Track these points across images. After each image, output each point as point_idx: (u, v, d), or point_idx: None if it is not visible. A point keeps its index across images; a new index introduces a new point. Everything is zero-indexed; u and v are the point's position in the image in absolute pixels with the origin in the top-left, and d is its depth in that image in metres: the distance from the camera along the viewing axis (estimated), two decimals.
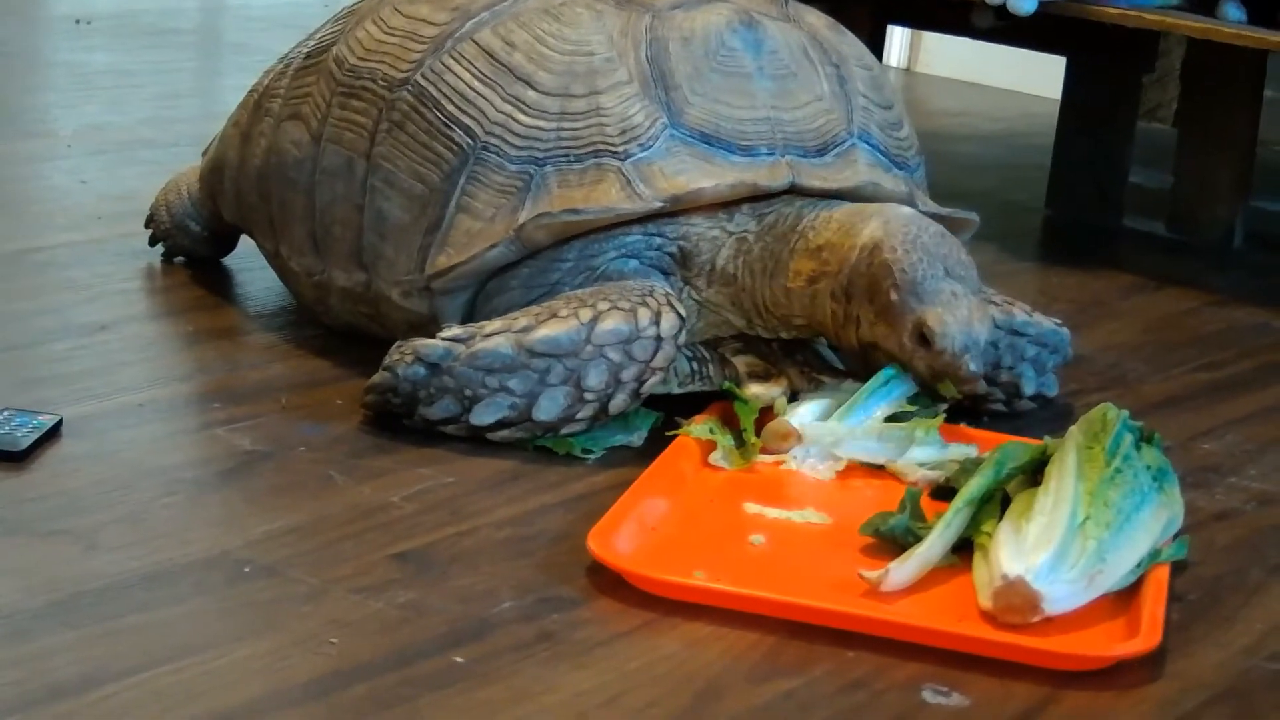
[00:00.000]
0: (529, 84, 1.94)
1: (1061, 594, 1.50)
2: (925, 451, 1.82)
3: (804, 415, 1.85)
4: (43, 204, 2.69)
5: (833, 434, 1.82)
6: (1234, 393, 2.25)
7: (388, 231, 1.97)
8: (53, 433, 1.75)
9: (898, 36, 4.55)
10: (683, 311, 1.85)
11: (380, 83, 2.01)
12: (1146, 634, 1.48)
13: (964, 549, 1.61)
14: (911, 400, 1.85)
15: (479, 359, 1.79)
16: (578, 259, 1.91)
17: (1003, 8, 2.72)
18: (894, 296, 1.82)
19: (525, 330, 1.80)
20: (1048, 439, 1.70)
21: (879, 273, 1.83)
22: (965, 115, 4.12)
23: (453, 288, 1.93)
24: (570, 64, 1.94)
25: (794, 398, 1.90)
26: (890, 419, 1.83)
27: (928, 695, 1.42)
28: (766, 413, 1.87)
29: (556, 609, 1.50)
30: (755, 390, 1.89)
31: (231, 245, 2.39)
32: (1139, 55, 3.08)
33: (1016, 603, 1.50)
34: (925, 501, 1.69)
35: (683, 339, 1.85)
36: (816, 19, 2.12)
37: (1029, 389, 2.04)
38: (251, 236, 2.24)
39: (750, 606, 1.51)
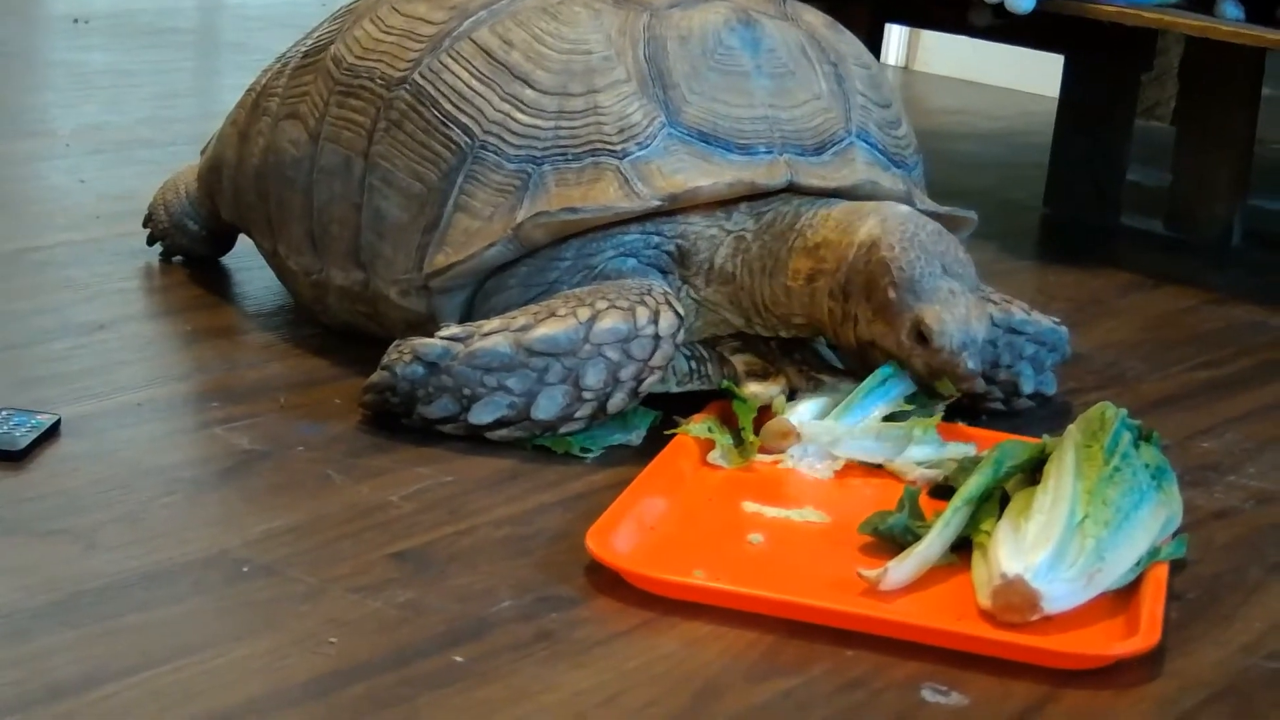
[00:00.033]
0: (527, 83, 1.94)
1: (1060, 593, 1.50)
2: (924, 450, 1.82)
3: (802, 414, 1.85)
4: (41, 203, 2.69)
5: (830, 433, 1.82)
6: (1232, 391, 2.25)
7: (386, 230, 1.97)
8: (51, 432, 1.75)
9: (896, 35, 4.55)
10: (681, 310, 1.85)
11: (378, 82, 2.01)
12: (1145, 633, 1.48)
13: (963, 548, 1.61)
14: (909, 399, 1.85)
15: (477, 358, 1.79)
16: (576, 258, 1.91)
17: (1001, 6, 2.72)
18: (892, 294, 1.82)
19: (524, 329, 1.80)
20: (1046, 437, 1.70)
21: (877, 270, 1.83)
22: (963, 113, 4.12)
23: (451, 286, 1.93)
24: (568, 63, 1.94)
25: (793, 396, 1.90)
26: (888, 418, 1.83)
27: (927, 694, 1.42)
28: (765, 411, 1.87)
29: (555, 608, 1.50)
30: (754, 389, 1.89)
31: (230, 244, 2.39)
32: (1137, 53, 3.08)
33: (1015, 601, 1.50)
34: (924, 500, 1.69)
35: (681, 338, 1.85)
36: (814, 17, 2.12)
37: (1027, 387, 2.04)
38: (249, 235, 2.24)
39: (749, 605, 1.51)
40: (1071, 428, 1.67)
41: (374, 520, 1.64)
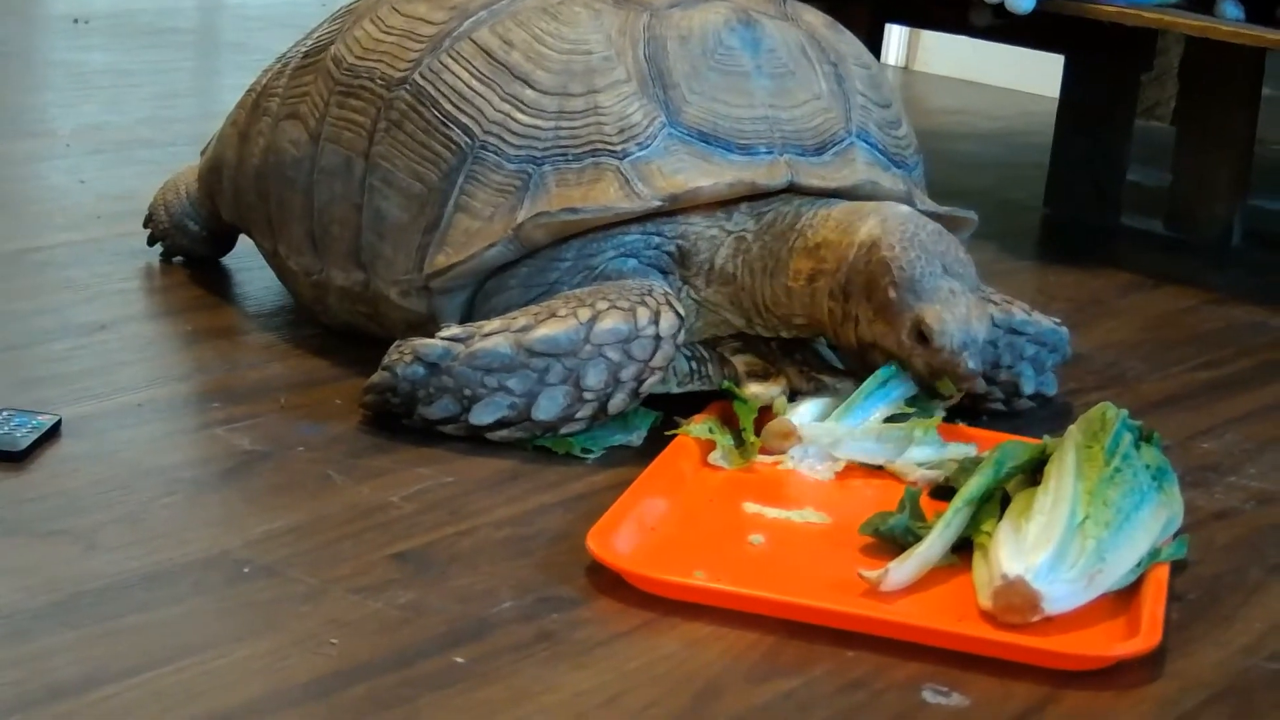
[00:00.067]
0: (527, 83, 1.94)
1: (1061, 593, 1.50)
2: (924, 451, 1.82)
3: (803, 415, 1.85)
4: (41, 204, 2.69)
5: (831, 434, 1.82)
6: (1233, 391, 2.25)
7: (386, 231, 1.97)
8: (52, 433, 1.75)
9: (896, 35, 4.55)
10: (681, 311, 1.85)
11: (378, 82, 2.01)
12: (1146, 633, 1.48)
13: (963, 548, 1.61)
14: (909, 401, 1.85)
15: (478, 358, 1.79)
16: (576, 258, 1.91)
17: (1001, 6, 2.72)
18: (892, 294, 1.82)
19: (524, 330, 1.80)
20: (1047, 438, 1.70)
21: (877, 270, 1.83)
22: (963, 114, 4.12)
23: (451, 287, 1.93)
24: (568, 63, 1.94)
25: (794, 397, 1.90)
26: (889, 420, 1.83)
27: (928, 695, 1.42)
28: (766, 412, 1.87)
29: (556, 609, 1.50)
30: (754, 390, 1.89)
31: (230, 245, 2.38)
32: (1137, 53, 3.08)
33: (1016, 602, 1.50)
34: (925, 501, 1.69)
35: (682, 338, 1.85)
36: (814, 17, 2.12)
37: (1028, 388, 2.04)
38: (250, 236, 2.24)
39: (750, 606, 1.51)
40: (1072, 428, 1.67)
41: (375, 521, 1.64)
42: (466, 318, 1.93)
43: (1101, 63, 3.09)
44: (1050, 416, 2.03)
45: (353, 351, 2.03)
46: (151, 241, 2.39)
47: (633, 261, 1.92)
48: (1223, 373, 2.32)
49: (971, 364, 1.82)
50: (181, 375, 2.04)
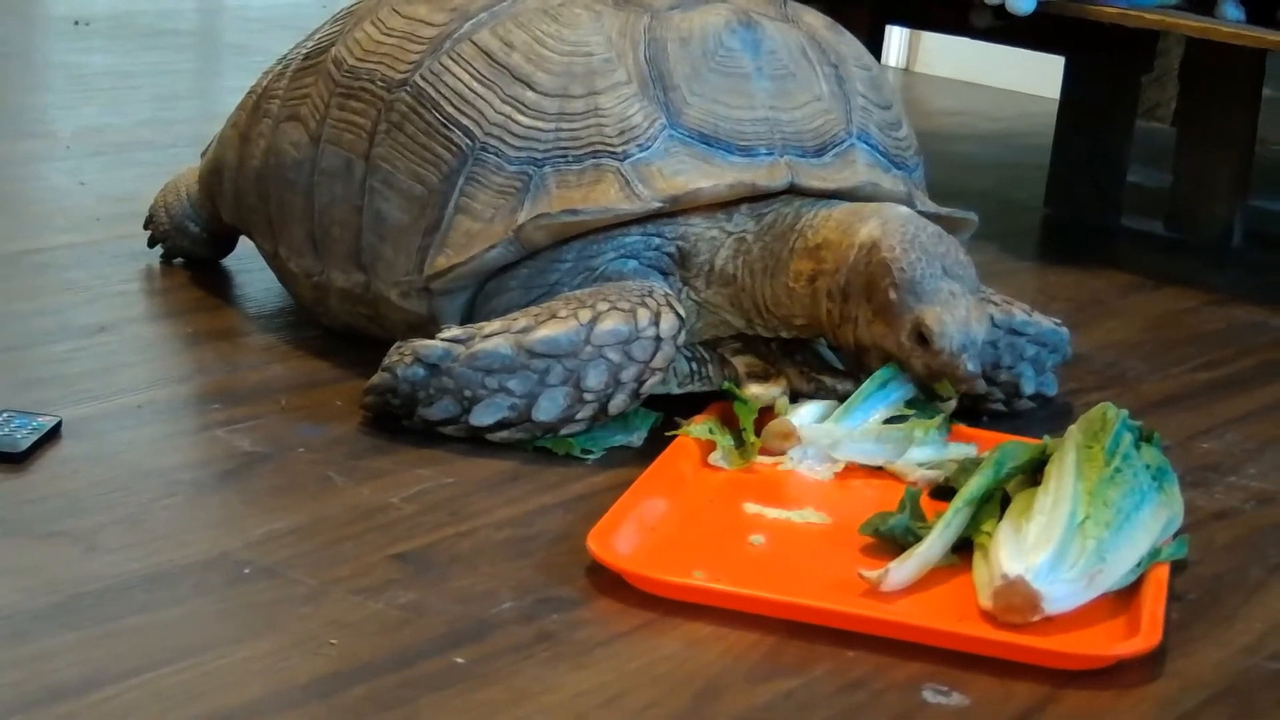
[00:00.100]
0: (527, 85, 1.94)
1: (1061, 593, 1.50)
2: (924, 451, 1.82)
3: (804, 416, 1.85)
4: (42, 205, 2.69)
5: (830, 436, 1.82)
6: (1233, 391, 2.25)
7: (386, 232, 1.97)
8: (52, 434, 1.75)
9: (896, 36, 4.55)
10: (682, 312, 1.85)
11: (379, 84, 2.01)
12: (1146, 633, 1.48)
13: (964, 549, 1.61)
14: (909, 404, 1.85)
15: (478, 360, 1.79)
16: (577, 259, 1.91)
17: (1001, 7, 2.72)
18: (892, 295, 1.82)
19: (525, 331, 1.80)
20: (1047, 438, 1.70)
21: (877, 271, 1.83)
22: (964, 115, 4.12)
23: (452, 288, 1.93)
24: (569, 65, 1.94)
25: (795, 398, 1.90)
26: (888, 422, 1.83)
27: (928, 695, 1.42)
28: (766, 413, 1.87)
29: (556, 609, 1.50)
30: (754, 390, 1.89)
31: (230, 246, 2.39)
32: (1137, 54, 3.08)
33: (1016, 602, 1.50)
34: (925, 501, 1.69)
35: (682, 339, 1.85)
36: (815, 19, 2.12)
37: (1028, 388, 2.04)
38: (250, 238, 2.24)
39: (750, 606, 1.51)
40: (1072, 428, 1.67)
41: (375, 522, 1.64)
42: (467, 319, 1.93)
43: (1102, 64, 3.09)
44: (1050, 417, 2.03)
45: (353, 353, 2.03)
46: (152, 243, 2.39)
47: (633, 263, 1.92)
48: (1223, 373, 2.32)
49: (971, 366, 1.82)
50: (182, 377, 2.04)
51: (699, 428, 1.83)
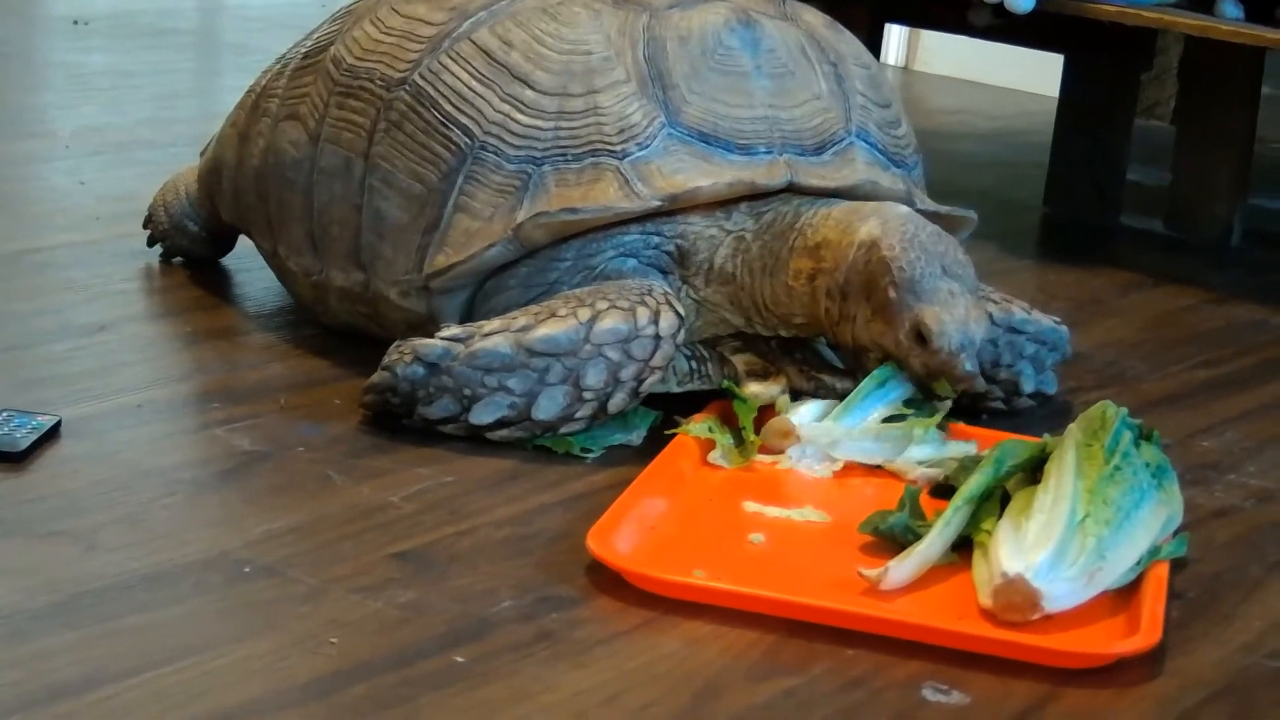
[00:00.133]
0: (527, 83, 1.94)
1: (1061, 592, 1.50)
2: (924, 449, 1.82)
3: (803, 415, 1.85)
4: (41, 204, 2.69)
5: (829, 435, 1.82)
6: (1232, 390, 2.25)
7: (386, 231, 1.97)
8: (52, 433, 1.75)
9: (895, 35, 4.55)
10: (681, 310, 1.85)
11: (378, 82, 2.01)
12: (1146, 631, 1.48)
13: (964, 547, 1.61)
14: (906, 403, 1.85)
15: (478, 358, 1.79)
16: (576, 258, 1.91)
17: (1000, 6, 2.72)
18: (892, 294, 1.82)
19: (524, 329, 1.80)
20: (1047, 437, 1.70)
21: (877, 270, 1.83)
22: (963, 113, 4.12)
23: (451, 287, 1.93)
24: (568, 63, 1.94)
25: (797, 396, 1.90)
26: (886, 421, 1.83)
27: (928, 693, 1.42)
28: (765, 411, 1.87)
29: (556, 608, 1.50)
30: (754, 389, 1.89)
31: (230, 245, 2.39)
32: (1137, 53, 3.08)
33: (1016, 600, 1.50)
34: (924, 499, 1.69)
35: (681, 338, 1.85)
36: (814, 17, 2.12)
37: (1028, 387, 2.04)
38: (250, 237, 2.24)
39: (750, 605, 1.51)
40: (1072, 427, 1.67)
41: (375, 521, 1.64)
42: (466, 318, 1.93)
43: (1101, 62, 3.09)
44: (1050, 415, 2.03)
45: (353, 352, 2.03)
46: (151, 242, 2.39)
47: (632, 261, 1.92)
48: (1222, 371, 2.32)
49: (969, 366, 1.82)
50: (181, 376, 2.04)
51: (698, 426, 1.83)
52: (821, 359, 1.96)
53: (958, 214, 2.09)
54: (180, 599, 1.46)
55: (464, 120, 1.93)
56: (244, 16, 4.59)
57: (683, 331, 1.85)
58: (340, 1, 2.77)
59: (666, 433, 1.84)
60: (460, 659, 1.40)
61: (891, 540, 1.63)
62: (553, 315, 1.81)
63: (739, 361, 1.93)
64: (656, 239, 1.93)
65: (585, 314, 1.81)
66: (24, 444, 1.70)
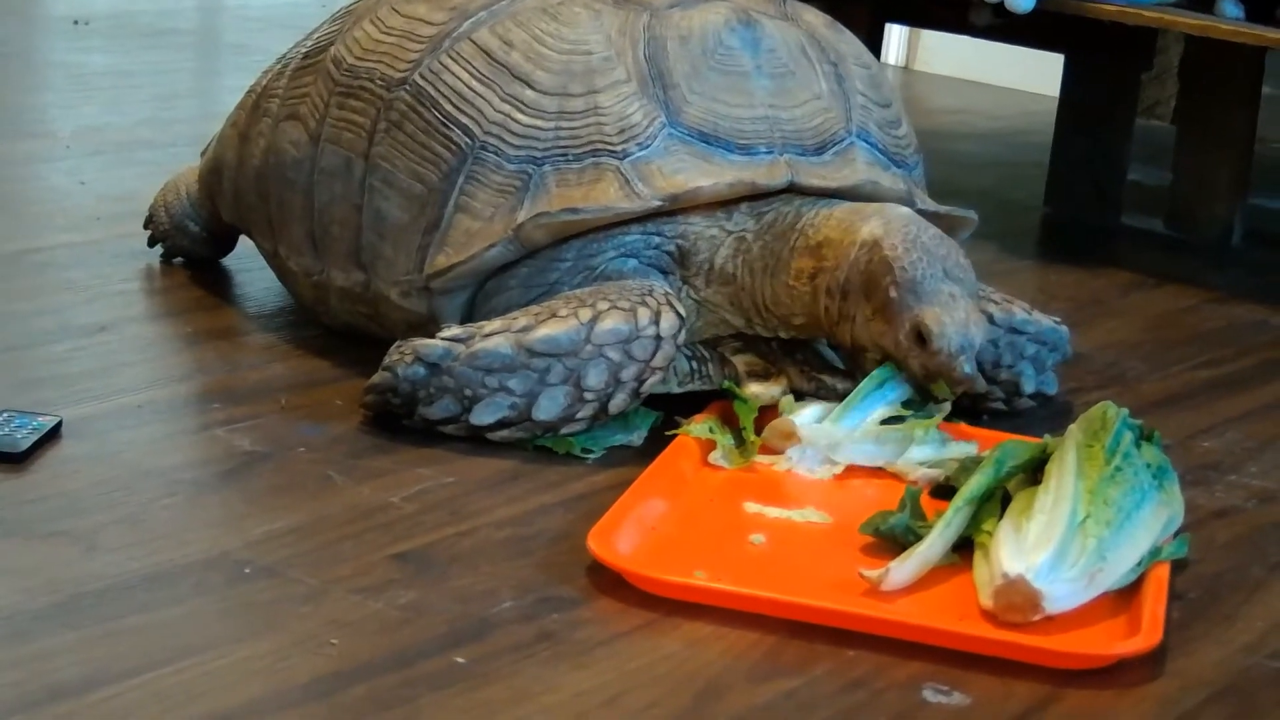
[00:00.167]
0: (527, 83, 1.94)
1: (1062, 592, 1.50)
2: (925, 450, 1.82)
3: (804, 417, 1.84)
4: (41, 205, 2.69)
5: (829, 437, 1.82)
6: (1233, 390, 2.25)
7: (386, 231, 1.97)
8: (52, 434, 1.75)
9: (896, 34, 4.55)
10: (682, 311, 1.85)
11: (378, 82, 2.01)
12: (1147, 632, 1.48)
13: (964, 548, 1.61)
14: (905, 404, 1.85)
15: (479, 359, 1.79)
16: (576, 258, 1.91)
17: (1001, 5, 2.72)
18: (893, 294, 1.82)
19: (525, 330, 1.80)
20: (1048, 437, 1.70)
21: (878, 270, 1.83)
22: (963, 113, 4.12)
23: (452, 287, 1.93)
24: (568, 63, 1.94)
25: (799, 397, 1.90)
26: (885, 422, 1.83)
27: (928, 694, 1.42)
28: (766, 412, 1.87)
29: (556, 609, 1.50)
30: (755, 389, 1.89)
31: (230, 246, 2.38)
32: (1137, 53, 3.08)
33: (1017, 601, 1.50)
34: (925, 500, 1.69)
35: (682, 338, 1.85)
36: (814, 17, 2.12)
37: (1029, 387, 2.04)
38: (250, 237, 2.24)
39: (751, 606, 1.51)
40: (1073, 427, 1.67)
41: (375, 521, 1.64)
42: (467, 318, 1.93)
43: (1102, 62, 3.09)
44: (1051, 416, 2.03)
45: (353, 352, 2.03)
46: (152, 243, 2.39)
47: (633, 261, 1.92)
48: (1223, 372, 2.32)
49: (967, 368, 1.82)
50: (182, 376, 2.04)
51: (699, 427, 1.83)
52: (822, 360, 1.96)
53: (958, 214, 2.09)
54: (181, 599, 1.46)
55: (464, 120, 1.93)
56: (244, 16, 4.59)
57: (683, 332, 1.85)
58: (340, 1, 2.77)
59: (667, 433, 1.84)
60: (461, 660, 1.40)
61: (892, 541, 1.63)
62: (553, 316, 1.81)
63: (740, 362, 1.93)
64: (657, 239, 1.93)
65: (586, 314, 1.81)
66: (25, 444, 1.70)
